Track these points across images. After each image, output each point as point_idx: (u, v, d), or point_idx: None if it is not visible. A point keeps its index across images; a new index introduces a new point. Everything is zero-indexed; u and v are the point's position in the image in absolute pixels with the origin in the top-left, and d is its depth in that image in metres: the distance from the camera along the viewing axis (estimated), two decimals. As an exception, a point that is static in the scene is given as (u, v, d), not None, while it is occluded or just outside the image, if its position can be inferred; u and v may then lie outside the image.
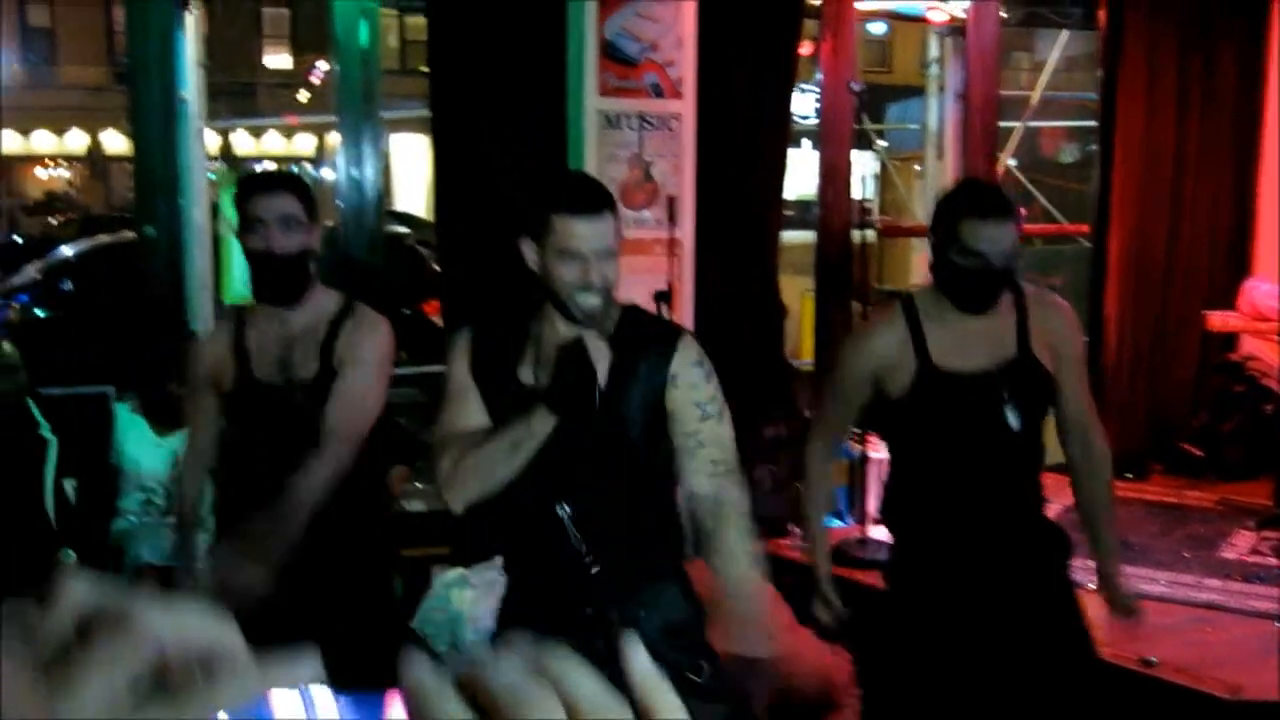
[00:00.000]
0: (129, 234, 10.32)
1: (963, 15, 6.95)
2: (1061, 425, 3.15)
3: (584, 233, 2.40)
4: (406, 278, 9.33)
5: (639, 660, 0.56)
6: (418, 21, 21.60)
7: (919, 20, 7.36)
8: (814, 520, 3.30)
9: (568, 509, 2.49)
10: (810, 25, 6.35)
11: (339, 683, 3.40)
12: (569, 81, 5.34)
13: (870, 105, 5.81)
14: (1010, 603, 3.06)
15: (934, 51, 7.97)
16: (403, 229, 12.81)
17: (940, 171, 7.71)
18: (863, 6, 6.61)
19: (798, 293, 7.68)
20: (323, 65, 26.32)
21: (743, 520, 2.56)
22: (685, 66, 5.45)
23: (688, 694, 1.90)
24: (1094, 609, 4.56)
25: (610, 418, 2.45)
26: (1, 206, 29.72)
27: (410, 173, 27.47)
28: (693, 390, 2.54)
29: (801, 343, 8.66)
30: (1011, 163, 8.67)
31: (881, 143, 12.94)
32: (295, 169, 33.46)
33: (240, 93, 27.57)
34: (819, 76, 6.40)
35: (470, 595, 5.24)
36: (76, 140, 31.99)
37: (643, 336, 2.57)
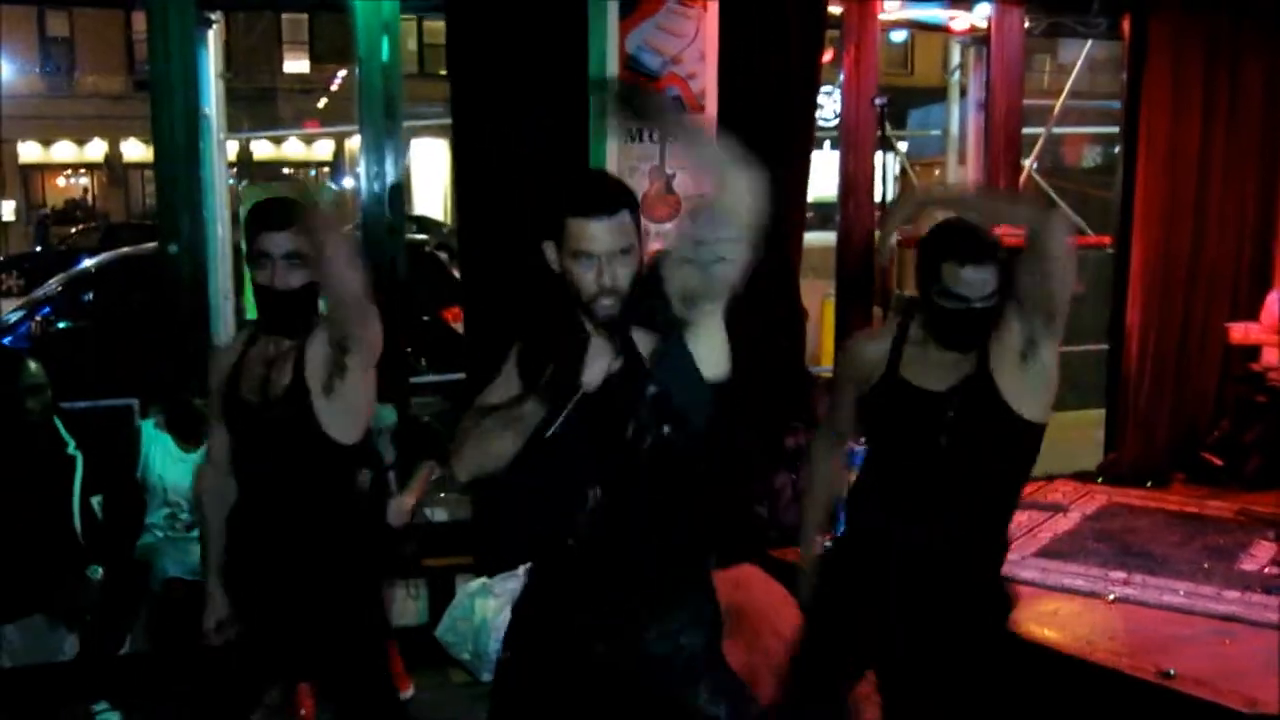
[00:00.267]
0: (150, 245, 10.42)
1: (984, 24, 6.93)
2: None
3: (595, 233, 2.39)
4: (426, 285, 9.35)
5: None
6: (436, 25, 21.66)
7: (941, 30, 7.35)
8: (807, 505, 3.44)
9: (599, 493, 2.49)
10: (831, 32, 6.35)
11: (321, 684, 3.46)
12: (590, 94, 5.35)
13: (891, 110, 5.81)
14: (920, 611, 3.09)
15: (956, 59, 7.96)
16: (421, 236, 12.86)
17: (962, 178, 7.70)
18: (885, 17, 6.60)
19: (818, 296, 7.68)
20: (342, 73, 26.48)
21: None
22: (707, 79, 5.46)
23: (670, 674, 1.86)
24: (1105, 620, 4.62)
25: (656, 411, 2.46)
26: (31, 215, 29.91)
27: (428, 176, 27.60)
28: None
29: (822, 348, 8.66)
30: (1033, 168, 8.64)
31: (902, 145, 12.93)
32: (314, 173, 33.66)
33: (259, 98, 27.66)
34: (841, 78, 6.39)
35: (494, 604, 5.26)
36: (96, 149, 32.16)
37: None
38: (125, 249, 11.20)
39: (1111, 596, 4.96)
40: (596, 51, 5.34)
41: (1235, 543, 5.72)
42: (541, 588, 2.68)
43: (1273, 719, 3.84)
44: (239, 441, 3.16)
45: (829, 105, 11.88)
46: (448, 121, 5.62)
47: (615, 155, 5.36)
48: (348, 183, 26.40)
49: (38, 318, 9.26)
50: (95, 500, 4.78)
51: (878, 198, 6.36)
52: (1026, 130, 7.22)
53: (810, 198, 6.31)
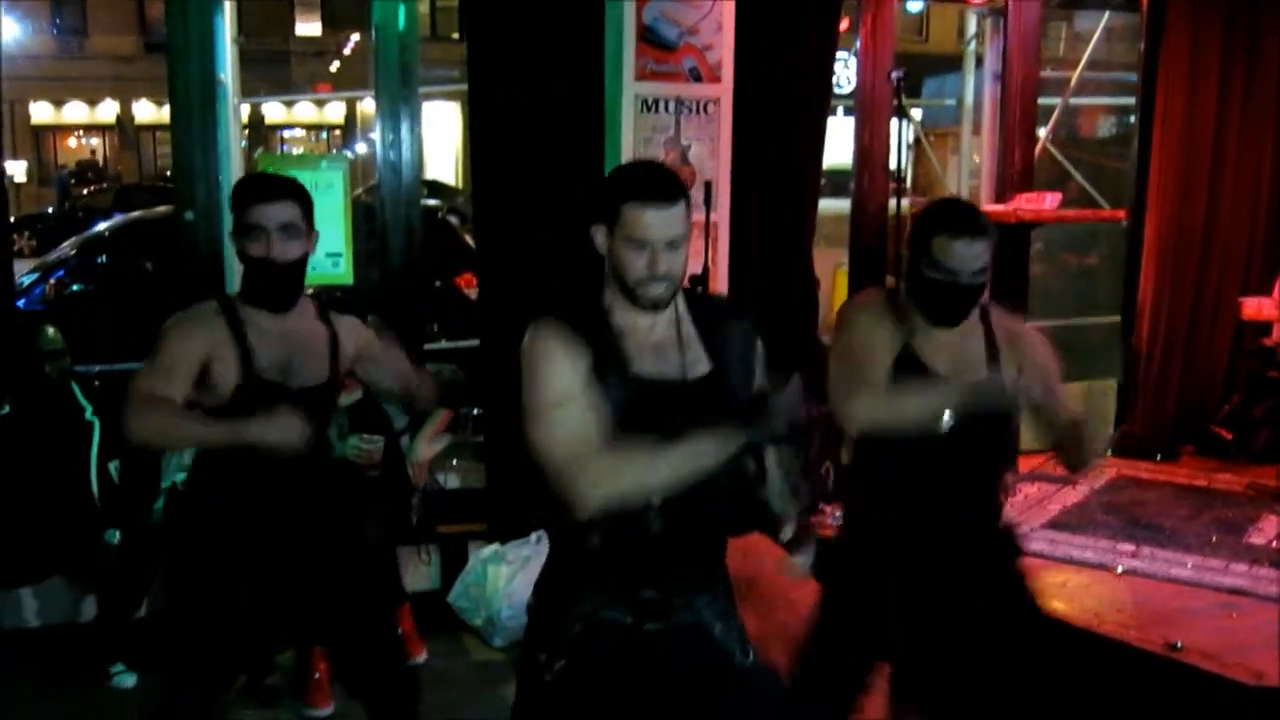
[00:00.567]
0: (163, 208, 10.43)
1: (1002, -3, 6.89)
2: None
3: (653, 221, 2.43)
4: (438, 251, 9.36)
5: None
6: (448, -13, 21.61)
7: (959, 1, 7.30)
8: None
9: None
10: (849, 0, 6.32)
11: (334, 648, 3.49)
12: (606, 66, 5.35)
13: (907, 80, 5.79)
14: (940, 590, 3.14)
15: (973, 28, 7.92)
16: (434, 201, 12.85)
17: (976, 148, 7.68)
18: (903, -13, 6.57)
19: (830, 265, 7.66)
20: (355, 36, 26.39)
21: None
22: (723, 50, 5.45)
23: (740, 676, 1.91)
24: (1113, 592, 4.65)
25: (725, 395, 2.51)
26: (55, 173, 29.91)
27: (439, 140, 27.53)
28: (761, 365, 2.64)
29: (832, 317, 8.65)
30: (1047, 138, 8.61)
31: (917, 113, 12.86)
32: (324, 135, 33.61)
33: (271, 61, 27.59)
34: (857, 45, 6.36)
35: (506, 570, 5.31)
36: (107, 110, 32.14)
37: (716, 314, 2.64)
38: (138, 213, 11.21)
39: (1120, 569, 4.99)
40: (613, 24, 5.33)
41: (1243, 516, 5.74)
42: (584, 570, 2.59)
43: (1278, 691, 3.86)
44: (250, 413, 2.99)
45: (844, 73, 11.81)
46: (461, 86, 5.61)
47: (630, 124, 5.36)
48: (360, 148, 26.37)
49: (51, 280, 9.29)
50: (112, 465, 4.83)
51: (893, 167, 6.34)
52: (1041, 101, 7.19)
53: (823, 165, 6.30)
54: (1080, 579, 4.90)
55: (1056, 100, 8.17)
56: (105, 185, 26.84)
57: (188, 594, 3.15)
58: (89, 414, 4.79)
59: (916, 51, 19.80)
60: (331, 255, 5.28)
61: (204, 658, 3.13)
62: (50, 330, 4.79)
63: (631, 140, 5.34)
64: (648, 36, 5.33)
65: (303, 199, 3.07)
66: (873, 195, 6.39)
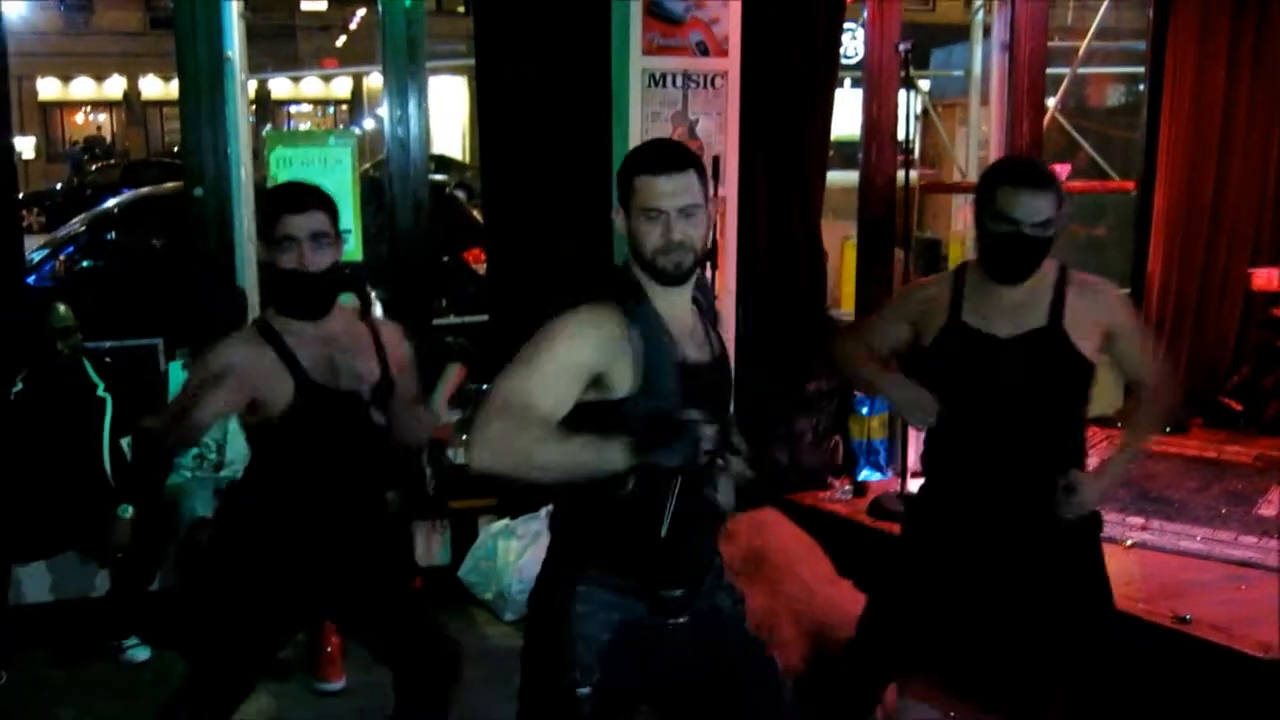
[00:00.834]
0: (171, 185, 10.44)
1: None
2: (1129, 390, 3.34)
3: (664, 189, 2.43)
4: (446, 226, 9.36)
5: None
6: (454, -38, 21.52)
7: (966, -29, 7.25)
8: (863, 370, 3.36)
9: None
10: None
11: (347, 621, 3.50)
12: (614, 40, 5.33)
13: (914, 51, 5.77)
14: (1015, 554, 3.14)
15: (979, -1, 7.87)
16: (441, 176, 12.85)
17: (984, 119, 7.64)
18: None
19: (838, 238, 7.63)
20: (361, 11, 26.29)
21: None
22: (731, 24, 5.42)
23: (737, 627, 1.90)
24: (1122, 565, 4.64)
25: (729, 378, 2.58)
26: (65, 148, 29.88)
27: (445, 114, 27.47)
28: None
29: (841, 290, 8.64)
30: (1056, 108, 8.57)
31: (924, 84, 12.79)
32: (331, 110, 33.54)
33: (277, 35, 27.55)
34: (864, 16, 6.33)
35: (516, 545, 5.33)
36: (114, 86, 32.11)
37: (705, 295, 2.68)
38: (147, 189, 11.21)
39: (1129, 542, 4.99)
40: (620, -3, 5.32)
41: (1253, 488, 5.73)
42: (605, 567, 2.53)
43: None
44: (318, 430, 3.08)
45: (851, 44, 11.76)
46: (468, 60, 5.61)
47: (638, 99, 5.34)
48: (367, 123, 26.34)
49: (61, 257, 9.30)
50: (124, 441, 4.86)
51: (901, 139, 6.32)
52: (1050, 70, 7.15)
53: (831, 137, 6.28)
54: (1089, 551, 4.90)
55: (1065, 70, 8.12)
56: (113, 161, 26.86)
57: (244, 580, 3.17)
58: (100, 390, 4.81)
59: (924, 22, 19.71)
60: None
61: (251, 640, 3.19)
62: (61, 307, 4.80)
63: (639, 115, 5.32)
64: (655, 10, 5.31)
65: (330, 207, 3.09)
66: (880, 167, 6.37)
